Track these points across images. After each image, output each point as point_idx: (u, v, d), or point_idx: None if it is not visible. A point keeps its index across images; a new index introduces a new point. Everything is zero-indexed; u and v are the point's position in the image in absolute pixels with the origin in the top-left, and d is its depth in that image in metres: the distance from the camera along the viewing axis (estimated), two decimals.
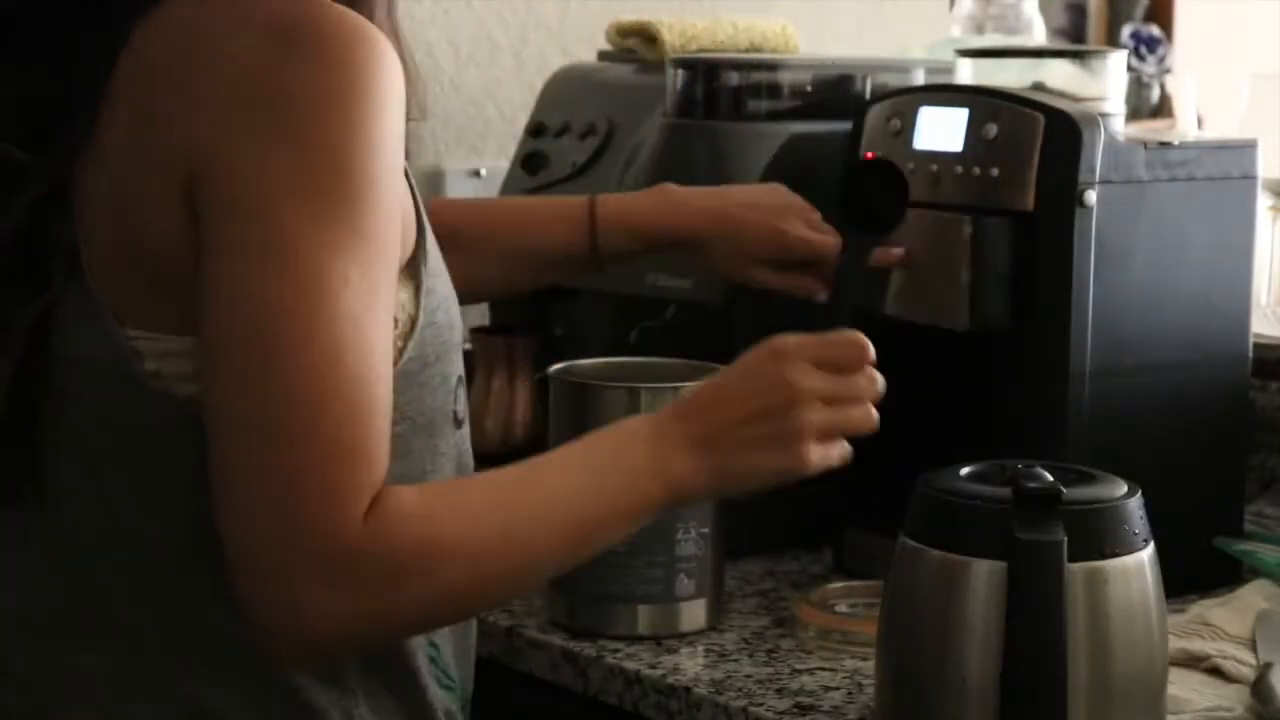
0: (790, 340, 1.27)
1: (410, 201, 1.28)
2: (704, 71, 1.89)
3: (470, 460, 1.37)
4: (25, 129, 1.20)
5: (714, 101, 1.88)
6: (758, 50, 2.10)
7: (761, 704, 1.45)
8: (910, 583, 1.31)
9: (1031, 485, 1.26)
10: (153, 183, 1.16)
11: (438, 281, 1.30)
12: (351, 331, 1.10)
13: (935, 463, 1.44)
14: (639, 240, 1.67)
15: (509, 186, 2.03)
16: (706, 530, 1.59)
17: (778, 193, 1.69)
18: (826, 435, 1.28)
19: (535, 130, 2.04)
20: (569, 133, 1.98)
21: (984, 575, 1.27)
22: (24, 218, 1.19)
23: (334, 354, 1.10)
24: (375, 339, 1.12)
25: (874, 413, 1.30)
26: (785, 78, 1.90)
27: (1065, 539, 1.23)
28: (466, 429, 1.36)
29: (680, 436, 1.24)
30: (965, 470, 1.34)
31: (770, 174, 1.79)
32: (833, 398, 1.28)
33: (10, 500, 1.24)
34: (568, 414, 1.60)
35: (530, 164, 2.00)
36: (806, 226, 1.65)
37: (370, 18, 1.20)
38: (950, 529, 1.28)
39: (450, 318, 1.32)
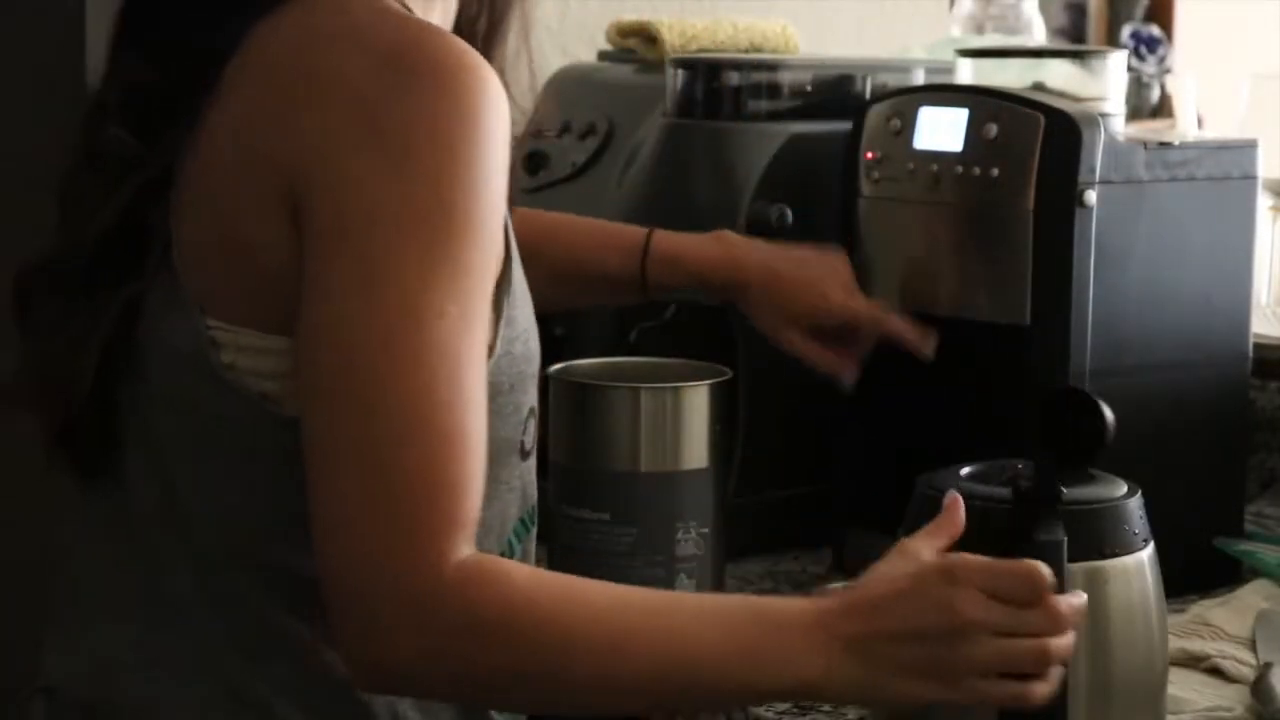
0: (964, 563, 1.16)
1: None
2: (704, 71, 1.89)
3: (534, 492, 1.36)
4: (140, 116, 1.23)
5: (714, 101, 1.88)
6: (758, 50, 2.10)
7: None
8: None
9: (1031, 485, 1.26)
10: (254, 187, 1.17)
11: (520, 312, 1.29)
12: (445, 363, 1.09)
13: (935, 463, 1.44)
14: (688, 279, 1.68)
15: (509, 187, 2.03)
16: (706, 530, 1.59)
17: (831, 258, 1.68)
18: (996, 670, 1.15)
19: (535, 130, 2.04)
20: (569, 133, 1.98)
21: None
22: (128, 203, 1.22)
23: (426, 386, 1.09)
24: (469, 371, 1.11)
25: (1053, 651, 1.16)
26: (785, 78, 1.90)
27: (1066, 539, 1.23)
28: (533, 460, 1.36)
29: (841, 635, 1.14)
30: (965, 470, 1.34)
31: (770, 174, 1.79)
32: (1005, 631, 1.15)
33: (89, 474, 1.27)
34: (568, 414, 1.60)
35: (530, 164, 2.00)
36: (848, 294, 1.65)
37: (490, 51, 1.25)
38: None
39: (529, 350, 1.31)
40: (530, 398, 1.32)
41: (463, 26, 1.32)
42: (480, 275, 1.15)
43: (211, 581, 1.23)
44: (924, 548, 1.19)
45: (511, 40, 1.33)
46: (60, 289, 1.25)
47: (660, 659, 1.11)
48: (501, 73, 1.25)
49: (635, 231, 1.69)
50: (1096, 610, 1.25)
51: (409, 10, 1.24)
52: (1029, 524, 1.22)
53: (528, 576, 1.11)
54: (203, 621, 1.24)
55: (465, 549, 1.09)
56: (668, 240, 1.68)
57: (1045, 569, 1.16)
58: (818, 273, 1.66)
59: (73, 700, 1.28)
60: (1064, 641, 1.16)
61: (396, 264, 1.11)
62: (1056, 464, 1.22)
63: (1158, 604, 1.31)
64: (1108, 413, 1.22)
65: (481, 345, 1.14)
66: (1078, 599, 1.18)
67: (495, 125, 1.16)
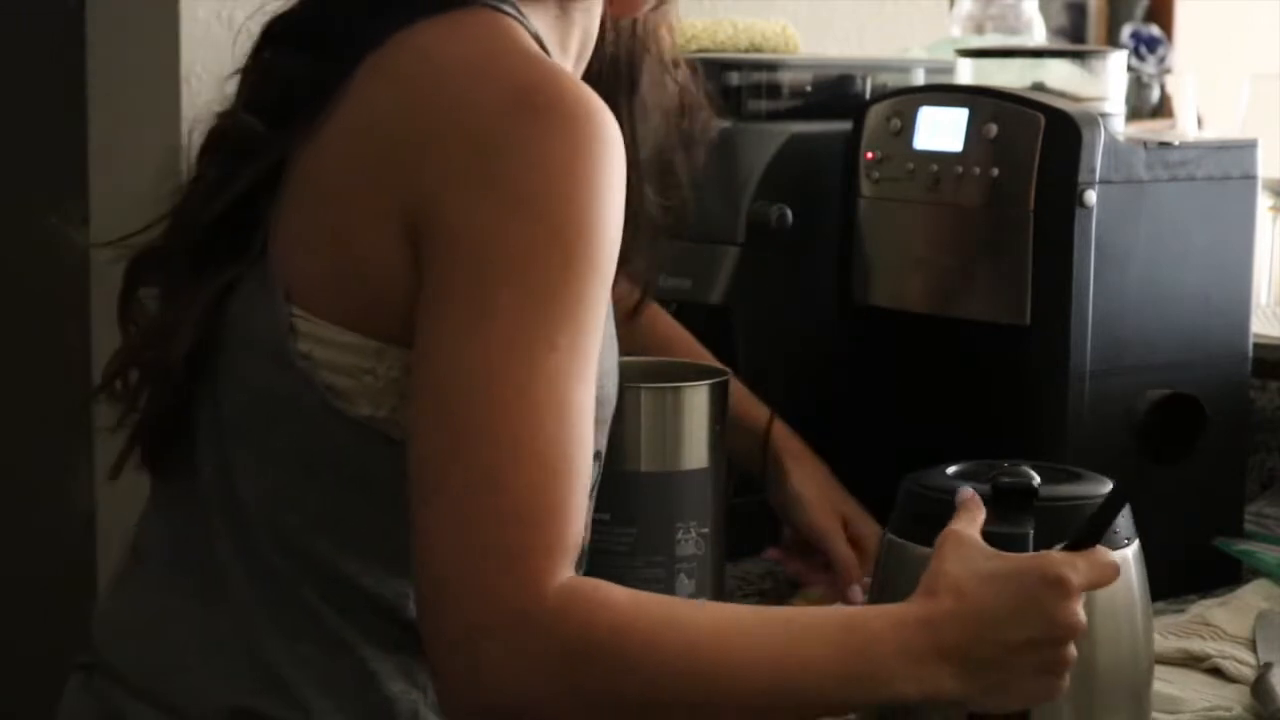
0: (1072, 571, 1.17)
1: None
2: (704, 71, 1.88)
3: (587, 534, 1.29)
4: (273, 105, 1.26)
5: (714, 101, 1.87)
6: (758, 50, 2.10)
7: None
8: (895, 577, 1.31)
9: (1006, 481, 1.26)
10: (373, 198, 1.19)
11: (605, 355, 1.28)
12: (553, 397, 1.09)
13: (935, 463, 1.44)
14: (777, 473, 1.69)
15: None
16: (706, 530, 1.59)
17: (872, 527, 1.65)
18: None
19: None
20: None
21: None
22: (245, 187, 1.25)
23: (534, 419, 1.09)
24: (578, 405, 1.11)
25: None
26: (785, 78, 1.90)
27: (1032, 531, 1.22)
28: (592, 502, 1.36)
29: (947, 648, 1.14)
30: (952, 469, 1.34)
31: (770, 174, 1.79)
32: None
33: (159, 454, 1.32)
34: None
35: None
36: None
37: (624, 87, 1.35)
38: (932, 525, 1.27)
39: (606, 394, 1.31)
40: (600, 442, 1.32)
41: (602, 68, 1.39)
42: (596, 312, 1.15)
43: (253, 560, 1.26)
44: (976, 538, 1.20)
45: (650, 73, 1.42)
46: (166, 273, 1.30)
47: (760, 683, 1.10)
48: (644, 107, 1.34)
49: (757, 414, 1.68)
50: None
51: (546, 50, 1.26)
52: (1002, 518, 1.23)
53: (628, 599, 1.09)
54: (244, 600, 1.26)
55: (567, 573, 1.07)
56: (785, 445, 1.68)
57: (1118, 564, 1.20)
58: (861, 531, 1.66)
59: (108, 668, 1.31)
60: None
61: (514, 300, 1.11)
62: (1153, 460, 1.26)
63: (1142, 602, 1.30)
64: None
65: (591, 381, 1.13)
66: None
67: (617, 168, 1.17)
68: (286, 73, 1.27)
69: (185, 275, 1.28)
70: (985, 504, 1.24)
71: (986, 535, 1.20)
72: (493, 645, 1.04)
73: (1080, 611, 1.16)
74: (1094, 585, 1.19)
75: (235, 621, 1.26)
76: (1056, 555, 1.19)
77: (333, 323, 1.22)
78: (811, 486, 1.67)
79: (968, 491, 1.24)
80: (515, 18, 1.24)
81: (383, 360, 1.21)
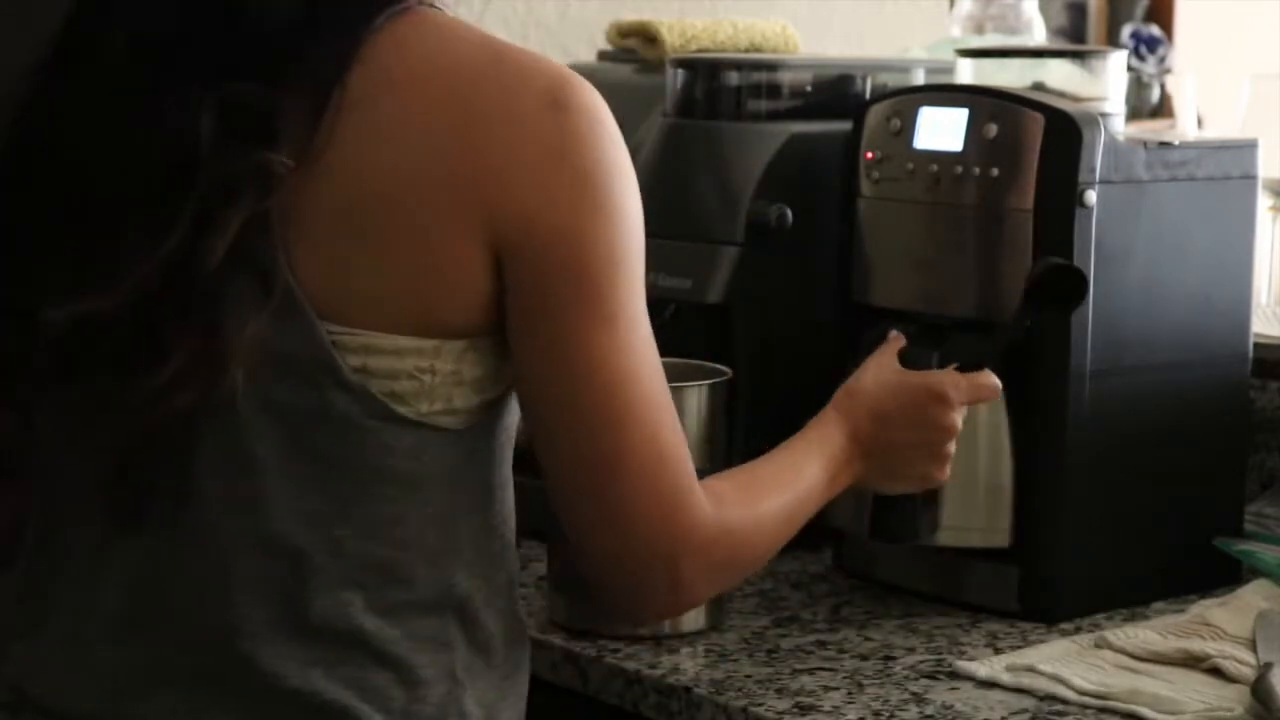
0: (954, 389, 1.50)
1: None
2: (704, 71, 1.89)
3: None
4: (240, 138, 1.20)
5: (714, 101, 1.88)
6: (758, 50, 2.10)
7: (761, 704, 1.45)
8: None
9: (924, 323, 1.62)
10: (444, 210, 1.22)
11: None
12: (660, 374, 1.30)
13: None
14: None
15: None
16: None
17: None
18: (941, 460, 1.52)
19: None
20: None
21: None
22: (236, 237, 1.20)
23: (662, 398, 1.29)
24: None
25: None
26: (785, 78, 1.90)
27: (937, 354, 1.56)
28: None
29: (864, 441, 1.47)
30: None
31: (770, 174, 1.79)
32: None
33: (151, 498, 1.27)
34: None
35: None
36: None
37: None
38: None
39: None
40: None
41: None
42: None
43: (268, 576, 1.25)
44: (892, 359, 1.52)
45: None
46: (133, 329, 1.21)
47: (797, 522, 1.42)
48: None
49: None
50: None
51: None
52: (915, 344, 1.55)
53: (730, 487, 1.36)
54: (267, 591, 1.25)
55: (705, 500, 1.30)
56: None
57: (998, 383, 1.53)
58: None
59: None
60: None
61: (624, 299, 1.26)
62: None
63: (1005, 420, 1.62)
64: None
65: None
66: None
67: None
68: (261, 106, 1.21)
69: (200, 327, 1.21)
70: (909, 339, 1.55)
71: (901, 357, 1.52)
72: (688, 563, 1.30)
73: (957, 419, 1.50)
74: (973, 401, 1.53)
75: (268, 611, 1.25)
76: (945, 374, 1.51)
77: (384, 331, 1.23)
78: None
79: (894, 331, 1.56)
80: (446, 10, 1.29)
81: (439, 356, 1.24)
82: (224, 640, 1.24)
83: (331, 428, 1.23)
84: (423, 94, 1.23)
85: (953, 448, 1.51)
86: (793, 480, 1.42)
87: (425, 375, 1.24)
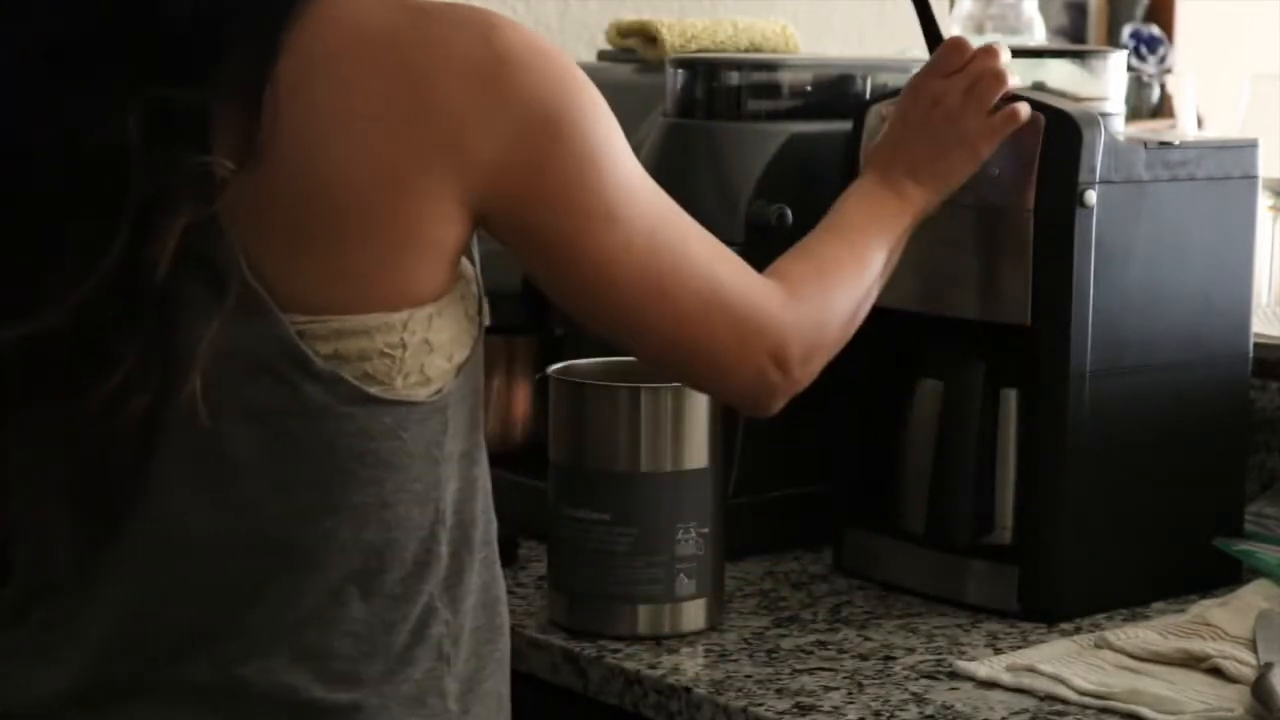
0: (937, 87, 1.58)
1: None
2: (704, 71, 1.89)
3: None
4: (187, 136, 1.19)
5: (714, 101, 1.88)
6: (758, 50, 2.10)
7: (761, 704, 1.45)
8: None
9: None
10: (399, 181, 1.22)
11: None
12: (675, 214, 1.36)
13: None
14: None
15: None
16: (706, 530, 1.59)
17: None
18: (985, 112, 1.58)
19: None
20: None
21: None
22: (180, 243, 1.19)
23: (692, 243, 1.36)
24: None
25: (1001, 64, 1.59)
26: (785, 78, 1.90)
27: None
28: None
29: (901, 179, 1.56)
30: None
31: (770, 174, 1.79)
32: (969, 89, 1.58)
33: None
34: (568, 414, 1.60)
35: None
36: None
37: None
38: None
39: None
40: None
41: None
42: None
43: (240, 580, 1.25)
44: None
45: None
46: (76, 345, 1.20)
47: (872, 269, 1.52)
48: None
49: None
50: None
51: None
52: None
53: (797, 267, 1.46)
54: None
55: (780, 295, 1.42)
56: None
57: (961, 40, 1.61)
58: None
59: None
60: (1003, 63, 1.58)
61: (612, 185, 1.30)
62: None
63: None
64: None
65: None
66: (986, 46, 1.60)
67: None
68: (189, 108, 1.19)
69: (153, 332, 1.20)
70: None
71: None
72: (793, 361, 1.40)
73: (955, 102, 1.57)
74: (965, 84, 1.57)
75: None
76: (935, 83, 1.59)
77: (353, 313, 1.23)
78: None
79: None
80: None
81: (408, 328, 1.24)
82: (214, 647, 1.24)
83: (309, 421, 1.23)
84: (356, 69, 1.22)
85: (971, 121, 1.57)
86: (856, 239, 1.52)
87: (397, 350, 1.24)
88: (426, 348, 1.26)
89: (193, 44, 1.20)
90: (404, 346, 1.24)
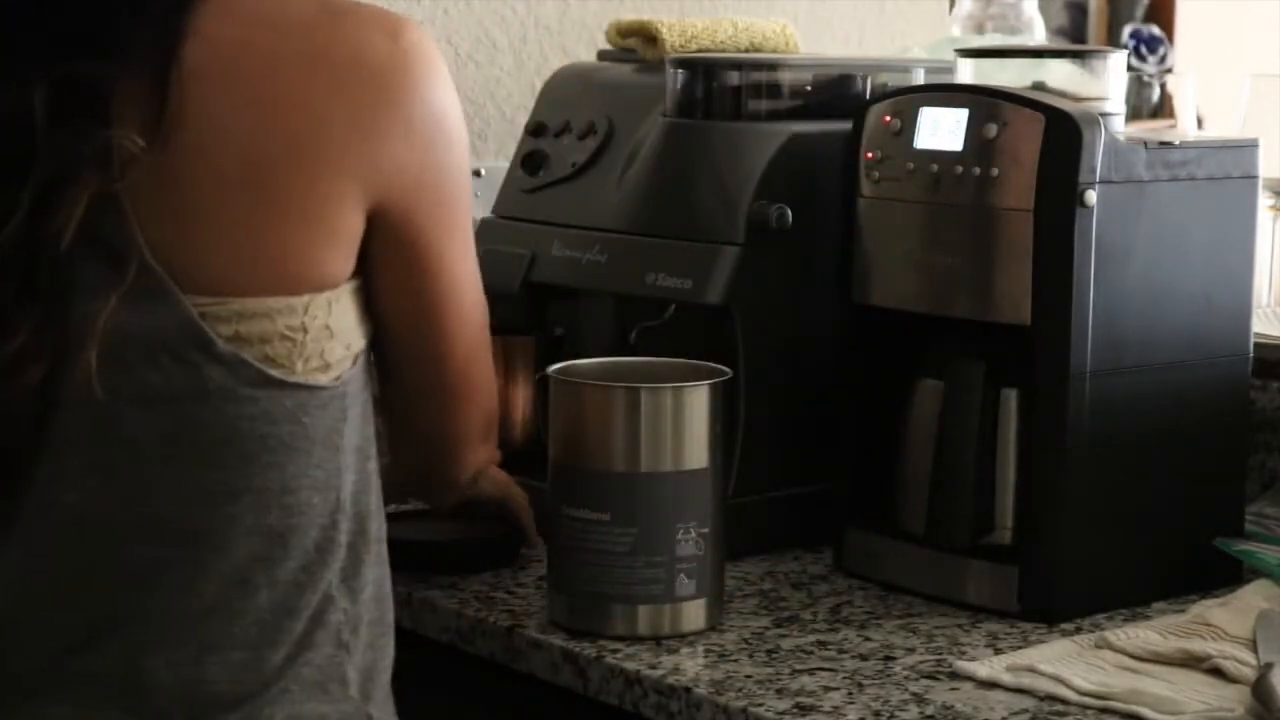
0: None
1: None
2: (704, 71, 1.89)
3: None
4: (92, 112, 1.21)
5: (714, 101, 1.88)
6: (758, 50, 2.10)
7: (761, 704, 1.45)
8: None
9: None
10: (320, 165, 1.26)
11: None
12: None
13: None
14: None
15: (508, 185, 2.03)
16: (706, 530, 1.59)
17: None
18: None
19: (535, 130, 2.04)
20: (569, 132, 1.98)
21: None
22: (82, 217, 1.20)
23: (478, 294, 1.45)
24: None
25: None
26: (785, 78, 1.90)
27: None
28: None
29: None
30: None
31: (770, 174, 1.79)
32: None
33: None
34: (567, 414, 1.60)
35: (530, 163, 2.00)
36: None
37: None
38: None
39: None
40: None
41: None
42: None
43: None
44: None
45: None
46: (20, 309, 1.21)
47: None
48: None
49: None
50: None
51: None
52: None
53: None
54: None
55: None
56: None
57: None
58: None
59: None
60: None
61: (466, 218, 1.40)
62: None
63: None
64: None
65: None
66: None
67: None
68: (95, 84, 1.20)
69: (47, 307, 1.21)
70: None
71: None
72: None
73: None
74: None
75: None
76: None
77: (254, 295, 1.24)
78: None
79: None
80: None
81: (308, 312, 1.27)
82: (118, 637, 1.24)
83: (210, 403, 1.24)
84: (264, 56, 1.25)
85: None
86: None
87: (298, 334, 1.26)
88: (327, 333, 1.28)
89: (101, 21, 1.22)
90: (305, 330, 1.26)
